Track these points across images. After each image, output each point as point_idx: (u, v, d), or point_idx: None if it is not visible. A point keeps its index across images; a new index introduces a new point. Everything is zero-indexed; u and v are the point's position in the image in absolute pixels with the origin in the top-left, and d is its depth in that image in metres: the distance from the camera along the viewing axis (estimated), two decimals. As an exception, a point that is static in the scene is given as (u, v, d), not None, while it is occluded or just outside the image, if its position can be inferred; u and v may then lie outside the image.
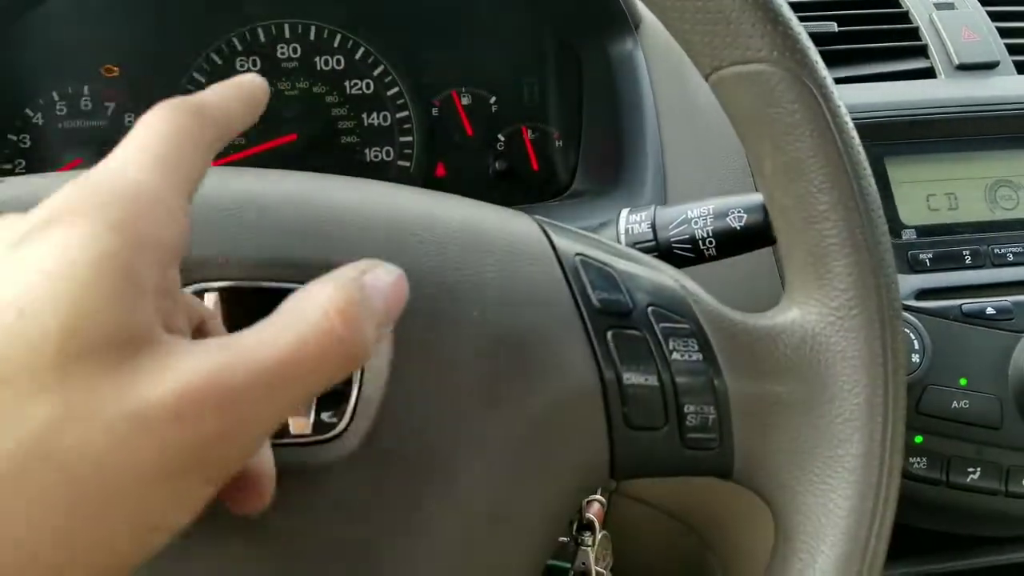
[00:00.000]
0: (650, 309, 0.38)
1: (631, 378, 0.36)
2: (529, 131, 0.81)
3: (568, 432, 0.37)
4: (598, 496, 0.61)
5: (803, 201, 0.37)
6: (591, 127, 0.78)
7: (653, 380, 0.37)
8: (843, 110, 0.37)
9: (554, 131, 0.82)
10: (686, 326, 0.37)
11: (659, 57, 0.72)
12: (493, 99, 0.81)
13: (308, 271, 0.35)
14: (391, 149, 0.80)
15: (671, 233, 0.49)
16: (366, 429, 0.34)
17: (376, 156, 0.80)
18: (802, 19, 0.70)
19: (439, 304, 0.36)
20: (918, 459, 0.63)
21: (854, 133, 0.37)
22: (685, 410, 0.37)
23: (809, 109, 0.37)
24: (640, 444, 0.37)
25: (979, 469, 0.63)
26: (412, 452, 0.35)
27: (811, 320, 0.38)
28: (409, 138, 0.80)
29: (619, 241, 0.49)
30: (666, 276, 0.39)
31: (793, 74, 0.36)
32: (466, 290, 0.36)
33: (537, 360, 0.36)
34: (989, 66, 0.69)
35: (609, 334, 0.37)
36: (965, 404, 0.62)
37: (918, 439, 0.63)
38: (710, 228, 0.48)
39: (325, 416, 0.35)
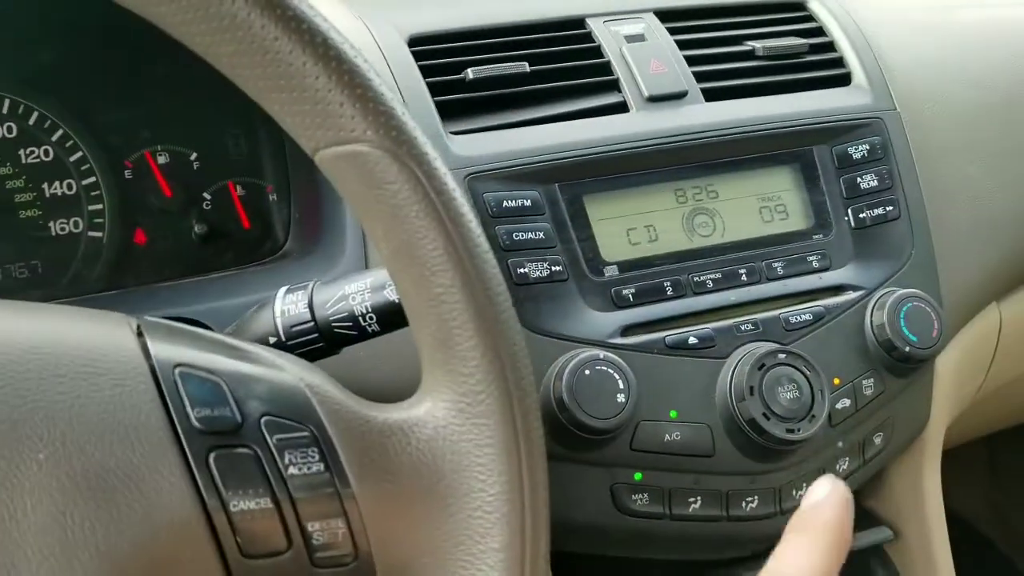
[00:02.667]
0: (264, 420, 0.34)
1: (239, 504, 0.33)
2: (237, 187, 0.76)
3: (173, 571, 0.32)
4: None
5: (420, 285, 0.35)
6: (297, 179, 0.75)
7: (266, 502, 0.33)
8: (449, 186, 0.35)
9: (267, 184, 0.77)
10: (305, 434, 0.34)
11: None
12: (194, 155, 0.75)
13: None
14: (79, 220, 0.73)
15: (329, 312, 0.45)
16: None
17: (63, 229, 0.73)
18: (493, 60, 0.69)
19: (-3, 449, 0.31)
20: (640, 495, 0.63)
21: (464, 209, 0.36)
22: (309, 529, 0.34)
23: (412, 189, 0.34)
24: (263, 573, 0.33)
25: (699, 498, 0.64)
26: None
27: (442, 409, 0.35)
28: (99, 206, 0.73)
29: (276, 325, 0.46)
30: (289, 375, 0.36)
31: (391, 154, 0.34)
32: (32, 427, 0.31)
33: (118, 499, 0.31)
34: (678, 96, 0.71)
35: (211, 456, 0.33)
36: (677, 436, 0.63)
37: (637, 476, 0.63)
38: (368, 304, 0.45)
39: None
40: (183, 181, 0.75)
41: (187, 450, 0.33)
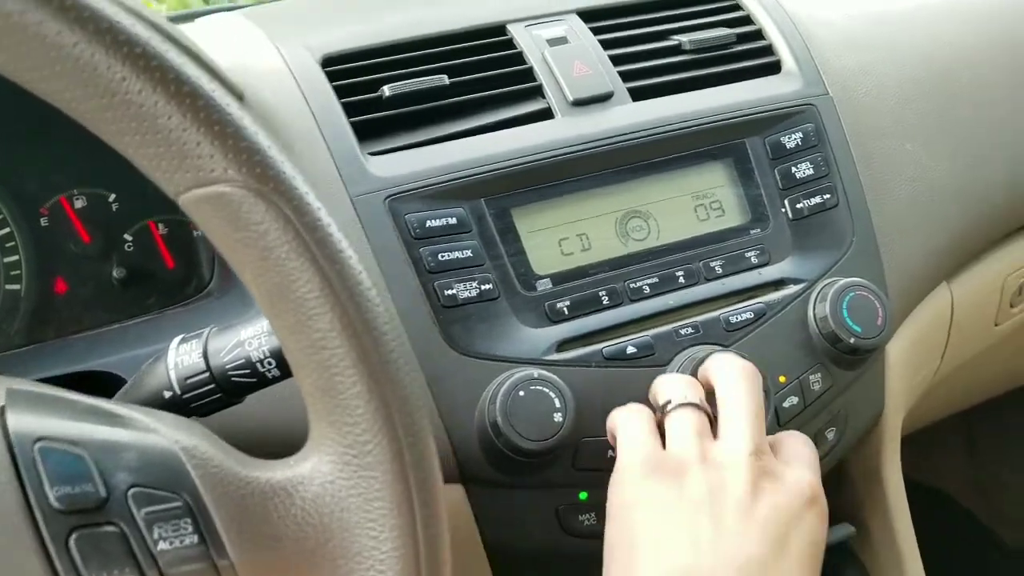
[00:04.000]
0: (131, 492, 0.32)
1: (103, 588, 0.30)
2: (159, 225, 0.74)
3: None
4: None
5: (297, 331, 0.33)
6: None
7: (133, 583, 0.31)
8: (323, 222, 0.33)
9: (190, 221, 0.74)
10: (178, 505, 0.32)
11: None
12: (112, 196, 0.73)
13: None
14: (-6, 274, 0.70)
15: (225, 360, 0.43)
16: None
17: (-22, 284, 0.70)
18: (410, 75, 0.67)
19: None
20: (587, 515, 0.61)
21: (341, 246, 0.33)
22: (184, 607, 0.31)
23: (281, 229, 0.32)
24: None
25: (650, 512, 0.62)
26: None
27: (327, 464, 0.33)
28: (15, 257, 0.71)
29: (170, 378, 0.43)
30: (163, 439, 0.33)
31: (255, 192, 0.32)
32: None
33: None
34: (603, 98, 0.69)
35: (72, 538, 0.31)
36: (621, 451, 0.60)
37: (583, 495, 0.61)
38: (266, 348, 0.43)
39: None
40: (102, 224, 0.72)
41: (44, 533, 0.30)
